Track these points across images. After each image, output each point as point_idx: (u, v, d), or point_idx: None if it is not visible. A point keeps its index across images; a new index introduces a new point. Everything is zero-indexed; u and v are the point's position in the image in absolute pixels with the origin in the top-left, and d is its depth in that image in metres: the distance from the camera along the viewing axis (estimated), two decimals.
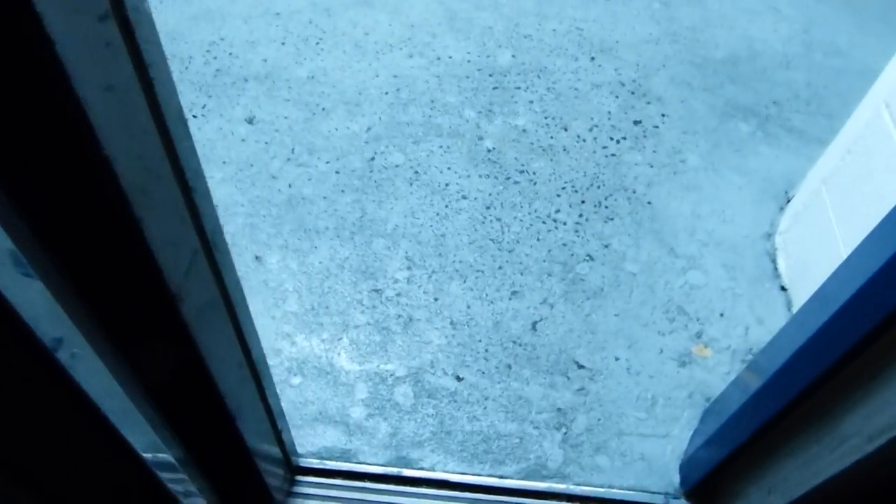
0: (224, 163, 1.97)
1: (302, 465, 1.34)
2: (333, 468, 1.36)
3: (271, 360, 1.59)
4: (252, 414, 0.93)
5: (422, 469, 1.42)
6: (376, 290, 1.71)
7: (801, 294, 1.66)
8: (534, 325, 1.65)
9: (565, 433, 1.49)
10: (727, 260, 1.79)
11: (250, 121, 2.10)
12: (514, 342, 1.62)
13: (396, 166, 1.98)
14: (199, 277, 0.66)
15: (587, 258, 1.78)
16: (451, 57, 2.30)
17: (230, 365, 0.81)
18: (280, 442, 1.15)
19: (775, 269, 1.77)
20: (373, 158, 1.99)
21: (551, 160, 2.00)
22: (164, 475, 0.73)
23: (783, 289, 1.73)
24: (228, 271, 0.73)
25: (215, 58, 2.30)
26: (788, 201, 1.91)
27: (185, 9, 2.41)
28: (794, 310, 1.68)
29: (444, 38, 2.37)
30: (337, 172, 1.96)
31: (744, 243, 1.83)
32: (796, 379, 1.02)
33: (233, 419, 0.83)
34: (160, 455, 0.76)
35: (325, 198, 1.89)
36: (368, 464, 1.42)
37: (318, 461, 1.37)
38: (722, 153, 2.07)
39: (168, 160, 0.56)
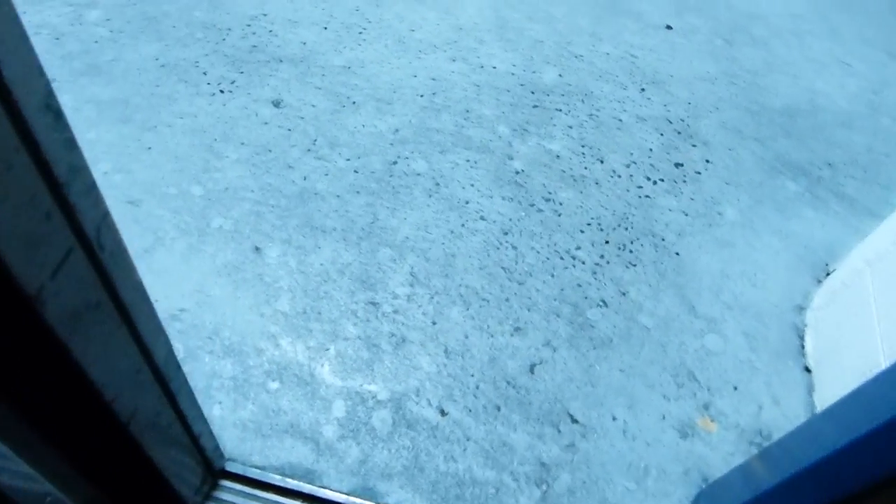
0: (242, 144, 1.89)
1: (228, 469, 1.27)
2: (256, 477, 1.29)
3: (251, 360, 1.51)
4: (156, 419, 0.87)
5: None
6: (373, 303, 1.62)
7: (826, 380, 1.53)
8: (532, 367, 1.55)
9: (545, 491, 1.38)
10: (750, 328, 1.67)
11: (277, 104, 2.02)
12: (508, 382, 1.52)
13: (418, 174, 1.88)
14: (74, 279, 0.61)
15: (601, 304, 1.67)
16: (494, 67, 2.20)
17: (123, 370, 0.76)
18: (197, 446, 1.08)
19: (802, 346, 1.64)
20: (395, 162, 1.90)
21: (581, 192, 1.89)
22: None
23: (807, 370, 1.60)
24: (120, 271, 0.67)
25: (254, 33, 2.23)
26: (828, 275, 1.77)
27: None
28: (815, 395, 1.55)
29: (491, 45, 2.27)
30: (355, 171, 1.87)
31: (771, 313, 1.70)
32: (813, 494, 0.90)
33: (125, 425, 0.78)
34: None
35: (338, 196, 1.81)
36: (330, 489, 1.33)
37: (241, 467, 1.30)
38: (763, 211, 1.93)
39: (26, 151, 0.50)
